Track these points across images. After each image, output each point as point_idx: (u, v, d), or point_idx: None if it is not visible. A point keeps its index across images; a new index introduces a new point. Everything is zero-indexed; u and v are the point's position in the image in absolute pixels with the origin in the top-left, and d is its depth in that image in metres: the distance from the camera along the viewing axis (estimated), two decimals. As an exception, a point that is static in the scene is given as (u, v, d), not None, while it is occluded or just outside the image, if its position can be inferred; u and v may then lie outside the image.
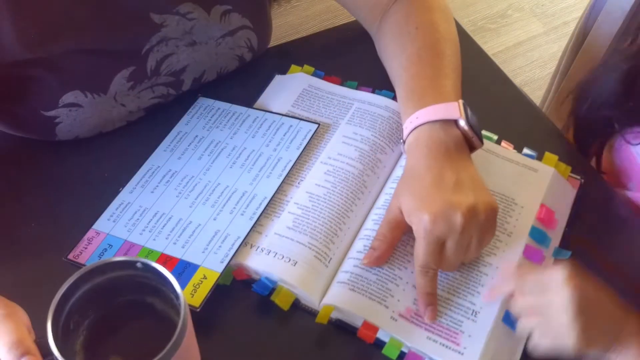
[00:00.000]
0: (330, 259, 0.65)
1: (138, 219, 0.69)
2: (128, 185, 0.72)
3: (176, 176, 0.73)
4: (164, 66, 0.75)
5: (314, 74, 0.82)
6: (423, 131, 0.67)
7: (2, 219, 0.70)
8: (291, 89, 0.81)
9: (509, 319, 0.61)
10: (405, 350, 0.60)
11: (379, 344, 0.60)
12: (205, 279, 0.63)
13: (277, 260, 0.64)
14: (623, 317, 0.56)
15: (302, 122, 0.77)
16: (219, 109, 0.79)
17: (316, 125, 0.76)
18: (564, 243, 0.68)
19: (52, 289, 0.49)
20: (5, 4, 0.62)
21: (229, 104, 0.80)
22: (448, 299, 0.62)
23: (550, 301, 0.55)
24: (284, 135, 0.75)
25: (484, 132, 0.75)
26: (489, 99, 0.82)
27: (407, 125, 0.68)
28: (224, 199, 0.70)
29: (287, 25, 1.96)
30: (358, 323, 0.61)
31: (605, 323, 0.55)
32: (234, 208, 0.69)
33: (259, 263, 0.64)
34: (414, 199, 0.63)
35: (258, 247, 0.65)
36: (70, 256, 0.66)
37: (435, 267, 0.61)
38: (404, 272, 0.63)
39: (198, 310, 0.61)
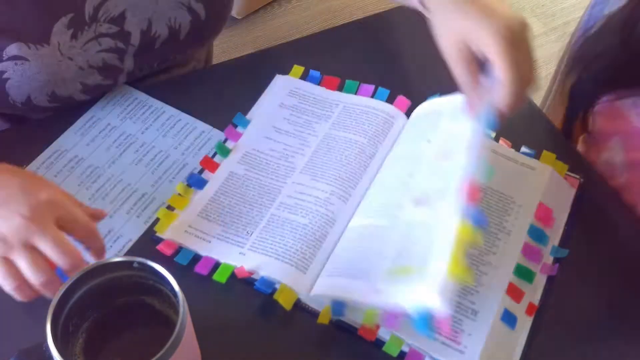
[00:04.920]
0: (312, 262, 0.65)
1: None
2: (32, 164, 0.71)
3: (81, 163, 0.72)
4: (102, 12, 0.73)
5: (310, 76, 0.82)
6: None
7: None
8: (277, 94, 0.80)
9: (508, 318, 0.61)
10: (405, 349, 0.60)
11: (379, 343, 0.60)
12: None
13: (271, 259, 0.64)
14: None
15: (214, 130, 0.76)
16: (136, 98, 0.78)
17: (224, 137, 0.75)
18: (563, 242, 0.68)
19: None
20: None
21: (147, 96, 0.78)
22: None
23: None
24: (195, 140, 0.75)
25: None
26: (489, 99, 0.82)
27: None
28: (124, 197, 0.69)
29: (287, 25, 1.96)
30: (359, 322, 0.61)
31: None
32: (132, 209, 0.68)
33: (253, 261, 0.65)
34: (478, 14, 0.58)
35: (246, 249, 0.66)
36: None
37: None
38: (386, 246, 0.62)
39: None
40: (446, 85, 0.83)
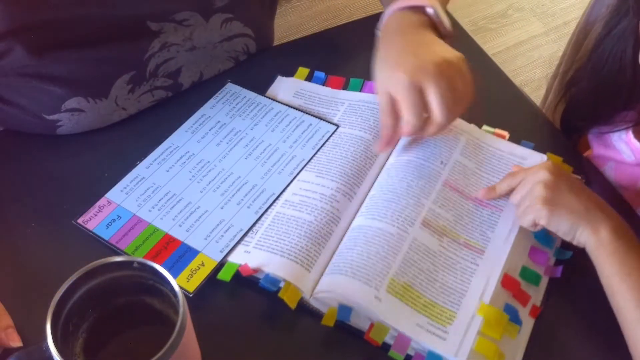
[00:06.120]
0: (317, 260, 0.65)
1: (150, 196, 0.70)
2: (146, 160, 0.74)
3: (193, 159, 0.74)
4: (162, 68, 0.77)
5: (315, 77, 0.82)
6: (394, 17, 0.73)
7: (2, 219, 0.69)
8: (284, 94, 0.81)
9: (511, 314, 0.61)
10: (411, 353, 0.59)
11: (386, 346, 0.60)
12: (203, 265, 0.65)
13: (276, 256, 0.64)
14: (592, 202, 0.62)
15: (322, 122, 0.77)
16: (244, 97, 0.81)
17: (335, 127, 0.76)
18: (565, 242, 0.67)
19: (52, 290, 0.49)
20: (10, 18, 0.64)
21: (255, 94, 0.81)
22: (437, 283, 0.62)
23: (527, 179, 0.64)
24: (302, 133, 0.76)
25: (485, 128, 0.76)
26: (489, 99, 0.82)
27: (382, 18, 0.74)
28: (234, 189, 0.71)
29: (287, 25, 1.96)
30: (365, 326, 0.61)
31: (572, 200, 0.61)
32: (242, 200, 0.70)
33: (255, 259, 0.65)
34: (388, 69, 0.67)
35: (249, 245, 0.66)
36: (80, 220, 0.68)
37: (421, 123, 0.65)
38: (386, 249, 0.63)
39: (191, 295, 0.62)
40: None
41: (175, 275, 0.64)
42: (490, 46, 1.96)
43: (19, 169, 0.74)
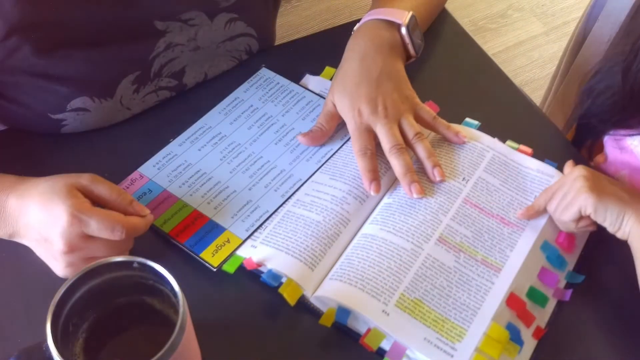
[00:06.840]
0: (321, 260, 0.65)
1: (181, 172, 0.73)
2: (179, 137, 0.76)
3: (224, 140, 0.76)
4: (166, 68, 0.77)
5: None
6: (368, 25, 0.77)
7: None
8: None
9: (513, 333, 0.60)
10: (410, 353, 0.59)
11: (381, 351, 0.60)
12: (228, 242, 0.67)
13: (281, 253, 0.65)
14: (635, 191, 0.61)
15: None
16: (278, 83, 0.82)
17: None
18: (578, 265, 0.66)
19: (53, 289, 0.49)
20: (19, 15, 0.63)
21: (288, 81, 0.82)
22: (448, 300, 0.62)
23: (565, 181, 0.63)
24: None
25: (509, 143, 0.75)
26: (489, 99, 0.82)
27: (361, 20, 0.78)
28: (263, 172, 0.73)
29: (287, 25, 1.96)
30: (362, 330, 0.61)
31: (616, 189, 0.61)
32: (270, 183, 0.72)
33: (260, 253, 0.65)
34: (345, 97, 0.72)
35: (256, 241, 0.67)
36: None
37: (371, 147, 0.70)
38: (397, 263, 0.63)
39: (215, 270, 0.64)
40: (445, 86, 0.83)
41: (201, 250, 0.66)
42: (490, 46, 1.96)
43: (22, 167, 0.74)
